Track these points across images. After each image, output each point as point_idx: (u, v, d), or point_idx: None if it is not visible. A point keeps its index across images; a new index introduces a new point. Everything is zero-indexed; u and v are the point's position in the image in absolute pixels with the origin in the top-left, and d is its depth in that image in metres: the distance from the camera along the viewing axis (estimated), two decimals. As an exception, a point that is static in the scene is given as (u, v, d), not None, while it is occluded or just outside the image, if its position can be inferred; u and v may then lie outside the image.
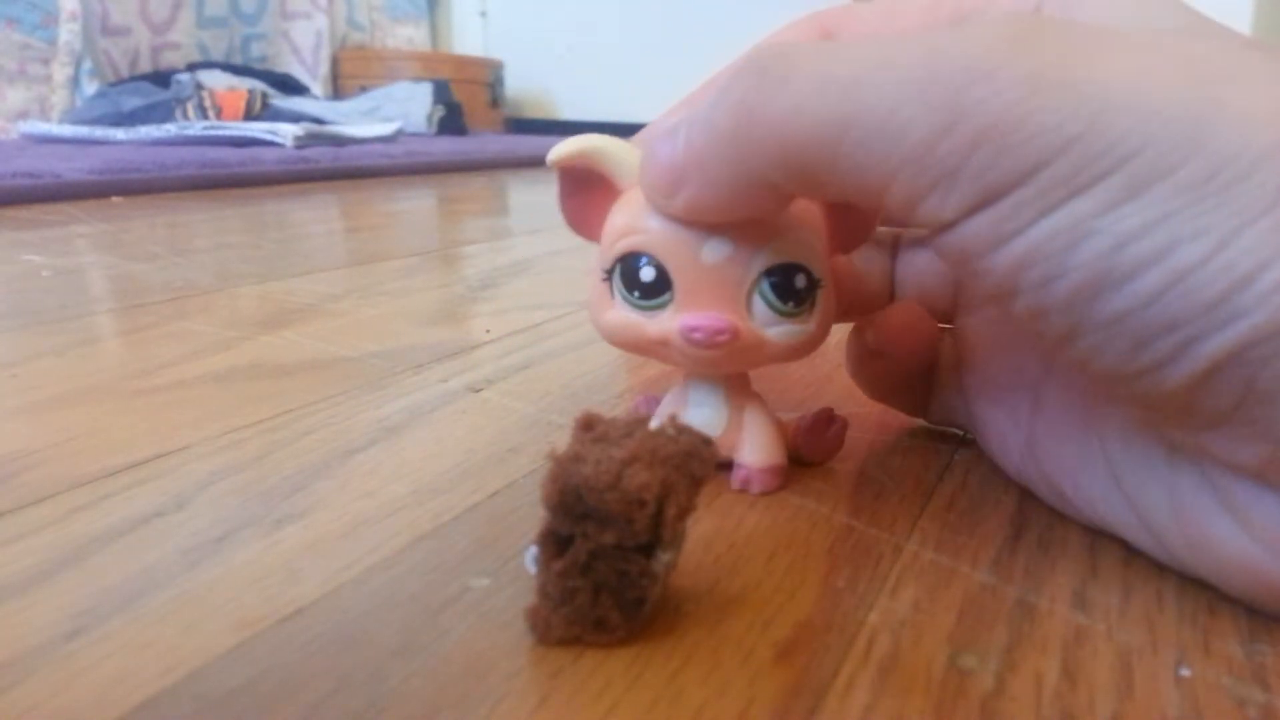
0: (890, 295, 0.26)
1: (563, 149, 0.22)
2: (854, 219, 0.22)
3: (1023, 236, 0.15)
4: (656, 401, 0.24)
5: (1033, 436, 0.22)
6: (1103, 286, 0.15)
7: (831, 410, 0.24)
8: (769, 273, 0.20)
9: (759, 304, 0.20)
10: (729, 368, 0.22)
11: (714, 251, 0.20)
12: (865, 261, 0.25)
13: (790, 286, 0.20)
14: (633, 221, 0.21)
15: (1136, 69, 0.15)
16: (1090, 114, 0.14)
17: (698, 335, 0.20)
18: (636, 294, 0.21)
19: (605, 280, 0.21)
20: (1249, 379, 0.14)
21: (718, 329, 0.20)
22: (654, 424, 0.17)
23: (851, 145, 0.16)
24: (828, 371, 0.33)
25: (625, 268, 0.21)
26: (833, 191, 0.17)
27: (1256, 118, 0.14)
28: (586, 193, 0.22)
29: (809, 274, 0.21)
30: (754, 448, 0.22)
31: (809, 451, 0.24)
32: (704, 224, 0.20)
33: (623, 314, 0.21)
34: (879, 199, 0.16)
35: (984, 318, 0.23)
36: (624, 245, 0.21)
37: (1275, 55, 0.15)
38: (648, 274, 0.20)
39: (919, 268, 0.25)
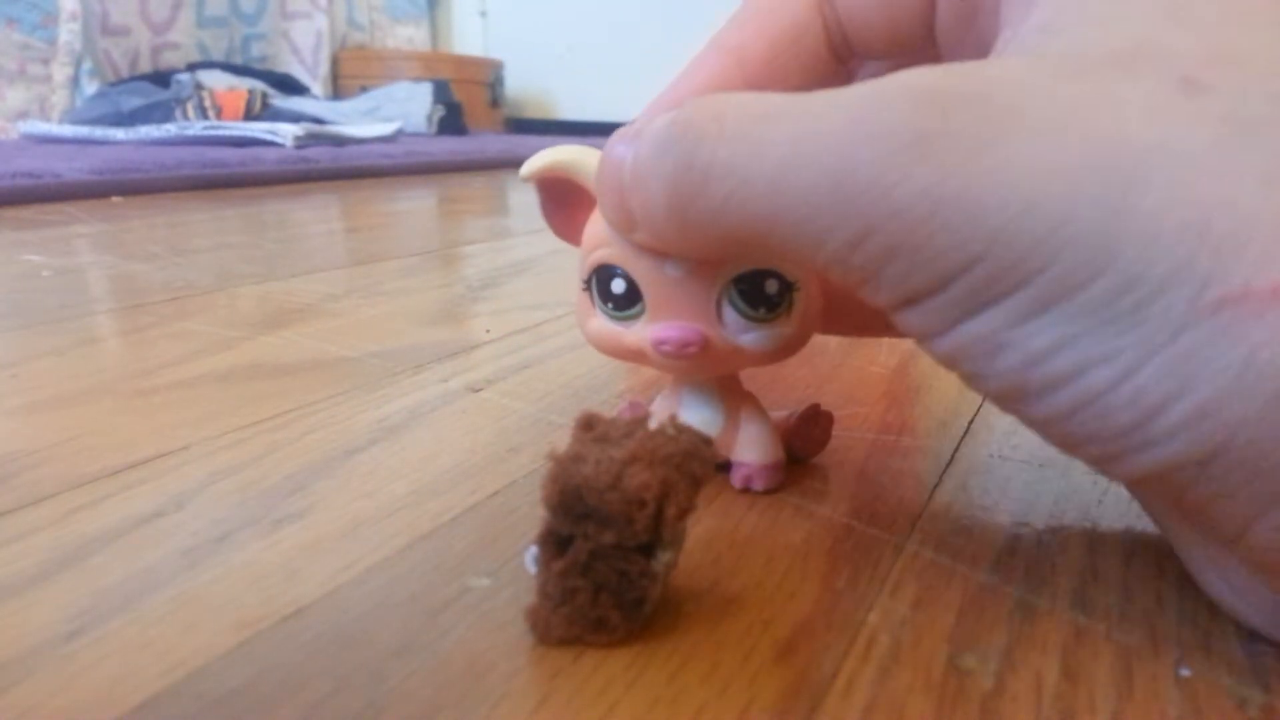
0: None
1: (534, 163, 0.22)
2: None
3: (946, 337, 0.15)
4: (642, 406, 0.24)
5: None
6: (1023, 396, 0.15)
7: (819, 406, 0.24)
8: (738, 281, 0.20)
9: (730, 312, 0.20)
10: (708, 373, 0.22)
11: (676, 266, 0.20)
12: None
13: (760, 293, 0.20)
14: (602, 233, 0.21)
15: (1042, 169, 0.14)
16: (991, 232, 0.14)
17: (666, 348, 0.20)
18: (610, 305, 0.21)
19: (585, 290, 0.22)
20: (1177, 495, 0.15)
21: (686, 340, 0.20)
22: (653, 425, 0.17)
23: (779, 240, 0.16)
24: (828, 371, 0.33)
25: (599, 280, 0.21)
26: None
27: (1164, 230, 0.13)
28: (566, 202, 0.22)
29: (780, 278, 0.20)
30: (753, 446, 0.22)
31: (799, 448, 0.24)
32: None
33: (602, 323, 0.21)
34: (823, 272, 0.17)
35: None
36: (595, 258, 0.21)
37: (1209, 92, 0.14)
38: (618, 286, 0.21)
39: None
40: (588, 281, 0.21)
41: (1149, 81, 0.14)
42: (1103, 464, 0.15)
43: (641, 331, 0.21)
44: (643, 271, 0.20)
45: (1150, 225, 0.13)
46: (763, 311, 0.20)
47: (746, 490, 0.22)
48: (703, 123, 0.16)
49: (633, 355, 0.21)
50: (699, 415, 0.22)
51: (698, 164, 0.16)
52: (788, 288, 0.20)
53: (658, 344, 0.20)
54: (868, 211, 0.14)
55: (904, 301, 0.15)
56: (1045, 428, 0.15)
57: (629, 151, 0.18)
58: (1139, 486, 0.16)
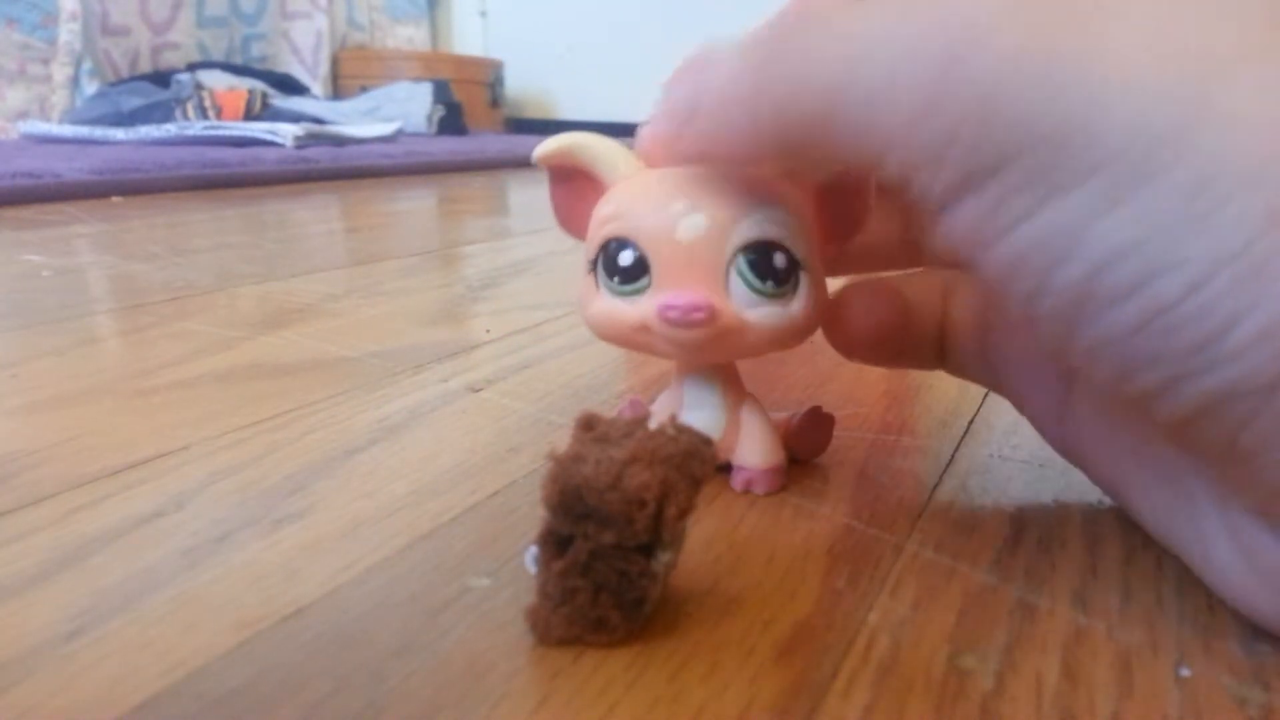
0: (941, 324, 0.23)
1: (547, 146, 0.22)
2: (846, 208, 0.22)
3: (1009, 239, 0.15)
4: (642, 406, 0.24)
5: (1066, 414, 0.21)
6: (1084, 311, 0.14)
7: (820, 408, 0.24)
8: (746, 250, 0.20)
9: (737, 283, 0.20)
10: (712, 355, 0.22)
11: (690, 228, 0.20)
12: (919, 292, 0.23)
13: (769, 265, 0.20)
14: (612, 209, 0.21)
15: (1130, 51, 0.14)
16: (1073, 105, 0.13)
17: (673, 314, 0.19)
18: (616, 279, 0.21)
19: (590, 273, 0.21)
20: (1232, 432, 0.14)
21: (694, 305, 0.19)
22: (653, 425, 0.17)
23: (847, 118, 0.16)
24: (828, 371, 0.33)
25: (606, 255, 0.21)
26: (837, 158, 0.17)
27: (1244, 130, 0.13)
28: (573, 190, 0.22)
29: (789, 253, 0.20)
30: (754, 449, 0.22)
31: (799, 450, 0.24)
32: (681, 200, 0.20)
33: (605, 303, 0.21)
34: (879, 172, 0.16)
35: None
36: (604, 233, 0.21)
37: None
38: (626, 257, 0.20)
39: None
40: (593, 261, 0.21)
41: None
42: (1161, 394, 0.14)
43: (646, 304, 0.20)
44: (654, 237, 0.20)
45: (1231, 124, 0.13)
46: (770, 285, 0.20)
47: (747, 493, 0.22)
48: (807, 4, 0.17)
49: (635, 334, 0.21)
50: (700, 416, 0.22)
51: (791, 38, 0.16)
52: (795, 265, 0.20)
53: (664, 310, 0.20)
54: (947, 75, 0.14)
55: (963, 188, 0.15)
56: (1103, 351, 0.15)
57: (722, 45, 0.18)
58: (1190, 431, 0.15)
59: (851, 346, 0.23)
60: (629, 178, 0.21)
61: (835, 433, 0.25)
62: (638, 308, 0.20)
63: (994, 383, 0.23)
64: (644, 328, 0.20)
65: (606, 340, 0.22)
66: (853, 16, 0.16)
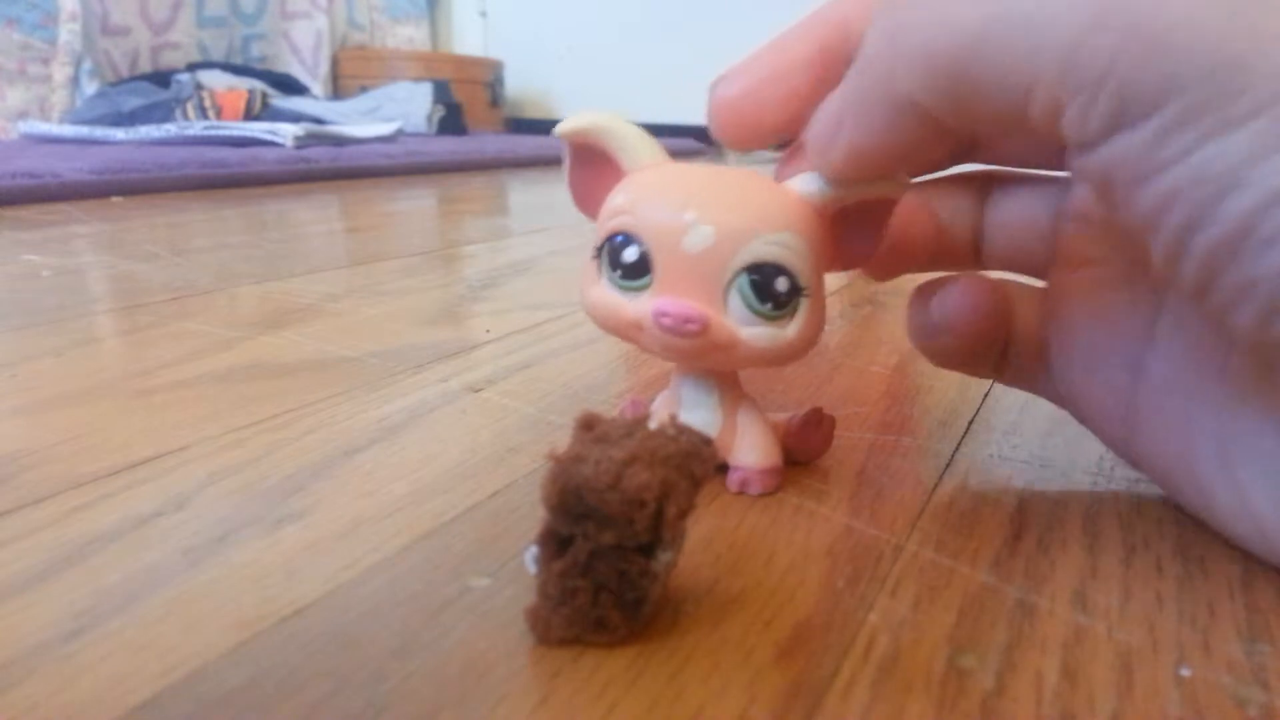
0: (976, 248, 0.24)
1: (572, 122, 0.22)
2: (859, 236, 0.22)
3: (1167, 173, 0.14)
4: (643, 405, 0.24)
5: (1133, 410, 0.21)
6: (1242, 248, 0.14)
7: (821, 410, 0.24)
8: (750, 270, 0.20)
9: (736, 301, 0.20)
10: (701, 363, 0.22)
11: (697, 240, 0.20)
12: (950, 211, 0.24)
13: (770, 288, 0.20)
14: (625, 202, 0.21)
15: None
16: (1250, 30, 0.13)
17: (666, 320, 0.20)
18: (619, 273, 0.21)
19: (595, 258, 0.22)
20: None
21: (688, 316, 0.20)
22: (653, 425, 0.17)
23: (995, 46, 0.15)
24: (827, 372, 0.33)
25: (612, 246, 0.21)
26: (979, 112, 0.17)
27: None
28: (592, 170, 0.22)
29: (792, 278, 0.20)
30: (751, 449, 0.22)
31: (799, 451, 0.24)
32: (694, 210, 0.20)
33: (605, 292, 0.21)
34: (1023, 112, 0.16)
35: (1086, 275, 0.22)
36: (613, 224, 0.21)
37: None
38: (631, 254, 0.20)
39: (1011, 217, 0.23)
40: (599, 249, 0.21)
41: None
42: None
43: (644, 304, 0.20)
44: (661, 243, 0.20)
45: None
46: (769, 308, 0.20)
47: (743, 493, 0.22)
48: None
49: (629, 329, 0.21)
50: (697, 416, 0.22)
51: None
52: (797, 291, 0.20)
53: (659, 314, 0.20)
54: (1108, 2, 0.14)
55: (1122, 119, 0.14)
56: (1252, 291, 0.14)
57: None
58: None
59: (954, 327, 0.22)
60: (648, 168, 0.21)
61: (835, 433, 0.25)
62: (635, 305, 0.20)
63: (1052, 388, 0.23)
64: (638, 326, 0.21)
65: (599, 326, 0.22)
66: None
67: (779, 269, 0.20)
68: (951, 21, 0.16)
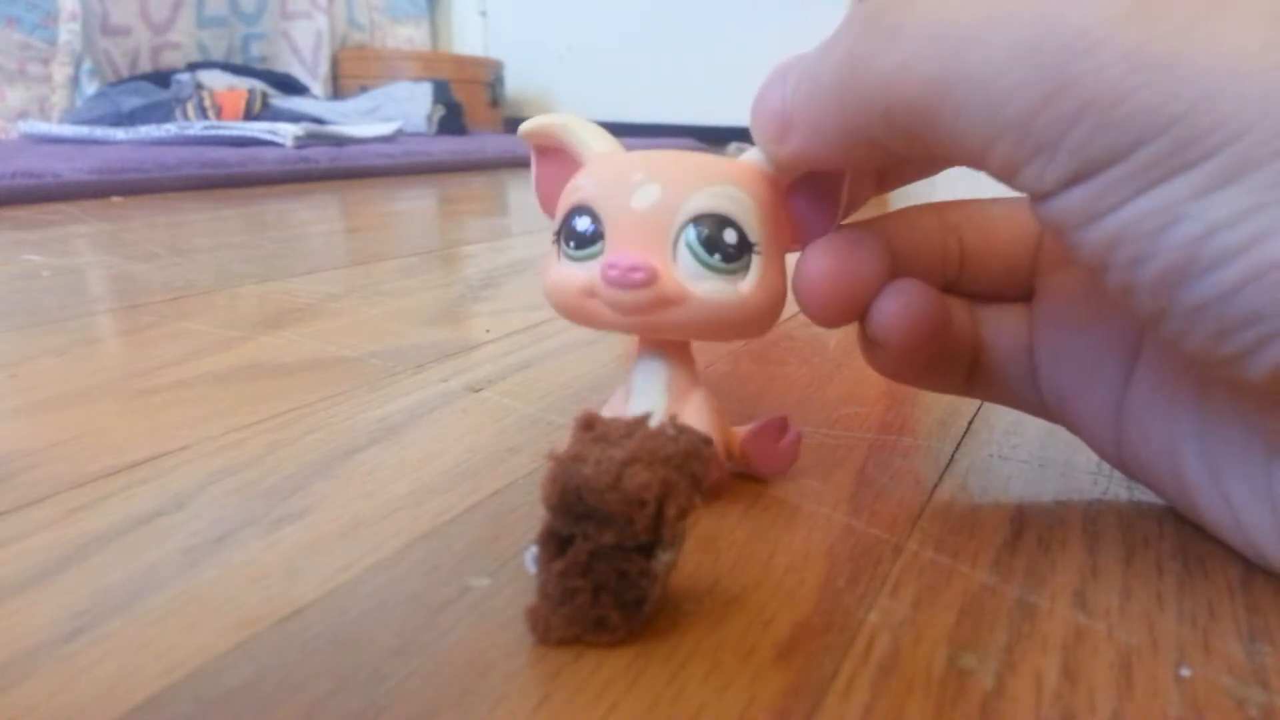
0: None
1: (532, 123, 0.23)
2: (818, 208, 0.21)
3: (1115, 214, 0.15)
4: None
5: (1122, 419, 0.21)
6: (1188, 273, 0.15)
7: (785, 419, 0.23)
8: (696, 221, 0.20)
9: (685, 254, 0.20)
10: (656, 327, 0.21)
11: (644, 197, 0.20)
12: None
13: (718, 239, 0.20)
14: (581, 180, 0.21)
15: (1251, 46, 0.14)
16: (1193, 96, 0.14)
17: (613, 273, 0.20)
18: (572, 244, 0.21)
19: (554, 241, 0.22)
20: None
21: (634, 265, 0.19)
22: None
23: (955, 107, 0.16)
24: (827, 371, 0.33)
25: (566, 224, 0.21)
26: (934, 151, 0.17)
27: None
28: (556, 168, 0.23)
29: (740, 231, 0.20)
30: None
31: (757, 462, 0.22)
32: (640, 172, 0.20)
33: (561, 269, 0.21)
34: (980, 163, 0.16)
35: (1077, 281, 0.22)
36: (568, 203, 0.21)
37: None
38: (583, 224, 0.21)
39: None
40: (557, 232, 0.22)
41: None
42: (1255, 351, 0.15)
43: (595, 267, 0.20)
44: (610, 206, 0.20)
45: None
46: (718, 260, 0.20)
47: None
48: None
49: (582, 299, 0.21)
50: (642, 403, 0.22)
51: (884, 24, 0.16)
52: (748, 246, 0.20)
53: (606, 269, 0.20)
54: (1066, 66, 0.14)
55: (1076, 176, 0.15)
56: (1202, 313, 0.15)
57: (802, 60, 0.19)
58: (1271, 389, 0.15)
59: (890, 338, 0.21)
60: (603, 155, 0.22)
61: (835, 433, 0.25)
62: (587, 270, 0.21)
63: (1038, 400, 0.23)
64: (590, 291, 0.20)
65: (557, 310, 0.22)
66: (948, 9, 0.16)
67: (725, 220, 0.20)
68: (913, 73, 0.16)
